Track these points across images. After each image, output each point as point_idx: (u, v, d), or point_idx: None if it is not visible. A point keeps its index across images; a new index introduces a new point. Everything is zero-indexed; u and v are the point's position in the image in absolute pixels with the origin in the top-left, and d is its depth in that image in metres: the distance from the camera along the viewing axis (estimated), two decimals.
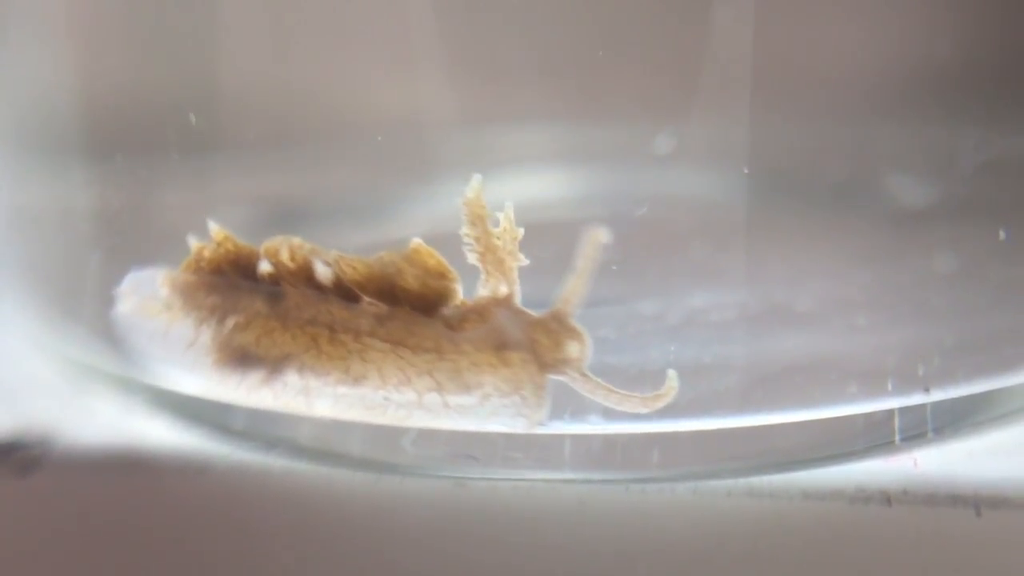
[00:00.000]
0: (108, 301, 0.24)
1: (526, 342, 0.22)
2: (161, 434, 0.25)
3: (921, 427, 0.24)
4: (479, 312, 0.22)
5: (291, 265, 0.23)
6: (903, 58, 0.27)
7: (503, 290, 0.22)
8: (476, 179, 0.22)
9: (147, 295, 0.24)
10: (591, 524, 0.23)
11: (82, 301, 0.27)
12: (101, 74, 0.28)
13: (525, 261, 0.22)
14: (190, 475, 0.24)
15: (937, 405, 0.24)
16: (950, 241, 0.26)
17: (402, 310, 0.22)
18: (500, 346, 0.22)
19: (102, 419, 0.26)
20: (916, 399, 0.23)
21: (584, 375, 0.22)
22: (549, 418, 0.22)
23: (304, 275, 0.23)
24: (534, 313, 0.22)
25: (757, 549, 0.23)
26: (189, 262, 0.23)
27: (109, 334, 0.25)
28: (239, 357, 0.23)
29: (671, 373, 0.22)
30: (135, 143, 0.27)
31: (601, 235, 0.22)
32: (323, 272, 0.22)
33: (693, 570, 0.23)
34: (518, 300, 0.22)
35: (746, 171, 0.24)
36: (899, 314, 0.25)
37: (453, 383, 0.22)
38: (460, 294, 0.22)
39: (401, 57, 0.26)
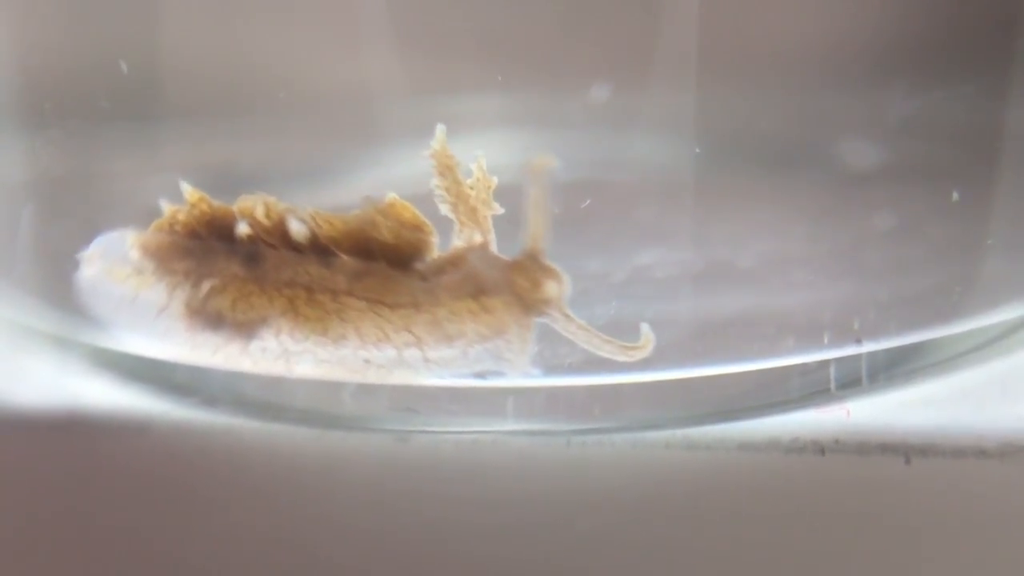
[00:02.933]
0: (44, 260, 0.24)
1: (505, 285, 0.22)
2: (99, 393, 0.25)
3: (856, 376, 0.24)
4: (453, 262, 0.22)
5: (266, 223, 0.22)
6: (845, 25, 0.28)
7: (477, 239, 0.22)
8: (440, 129, 0.22)
9: (115, 259, 0.23)
10: (532, 477, 0.23)
11: (14, 260, 0.27)
12: (36, 39, 0.27)
13: (500, 210, 0.22)
14: (130, 433, 0.24)
15: (871, 356, 0.24)
16: (889, 201, 0.26)
17: (378, 266, 0.22)
18: (478, 292, 0.22)
19: (38, 379, 0.26)
20: (850, 350, 0.24)
21: (567, 315, 0.22)
22: (532, 365, 0.22)
23: (279, 233, 0.22)
24: (505, 259, 0.22)
25: (695, 499, 0.23)
26: (160, 223, 0.23)
27: (44, 293, 0.25)
28: (214, 322, 0.23)
29: (645, 327, 0.22)
30: (73, 109, 0.26)
31: (545, 161, 0.22)
32: (298, 229, 0.22)
33: (633, 521, 0.23)
34: (493, 248, 0.22)
35: (697, 150, 0.25)
36: (837, 270, 0.26)
37: (433, 336, 0.22)
38: (436, 248, 0.22)
39: (349, 25, 0.26)
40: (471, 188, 0.22)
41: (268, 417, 0.24)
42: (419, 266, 0.22)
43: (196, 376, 0.24)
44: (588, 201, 0.24)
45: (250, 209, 0.22)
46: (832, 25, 0.28)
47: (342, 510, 0.23)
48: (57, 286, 0.25)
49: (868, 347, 0.24)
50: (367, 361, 0.22)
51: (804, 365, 0.24)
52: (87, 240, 0.24)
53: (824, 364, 0.24)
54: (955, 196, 0.25)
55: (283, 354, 0.22)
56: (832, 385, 0.24)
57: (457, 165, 0.22)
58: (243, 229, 0.22)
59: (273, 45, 0.27)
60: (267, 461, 0.24)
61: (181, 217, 0.23)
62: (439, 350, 0.22)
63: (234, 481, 0.24)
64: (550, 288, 0.22)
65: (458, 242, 0.22)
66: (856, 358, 0.24)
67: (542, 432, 0.23)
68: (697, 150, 0.25)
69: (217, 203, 0.23)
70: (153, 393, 0.25)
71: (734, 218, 0.27)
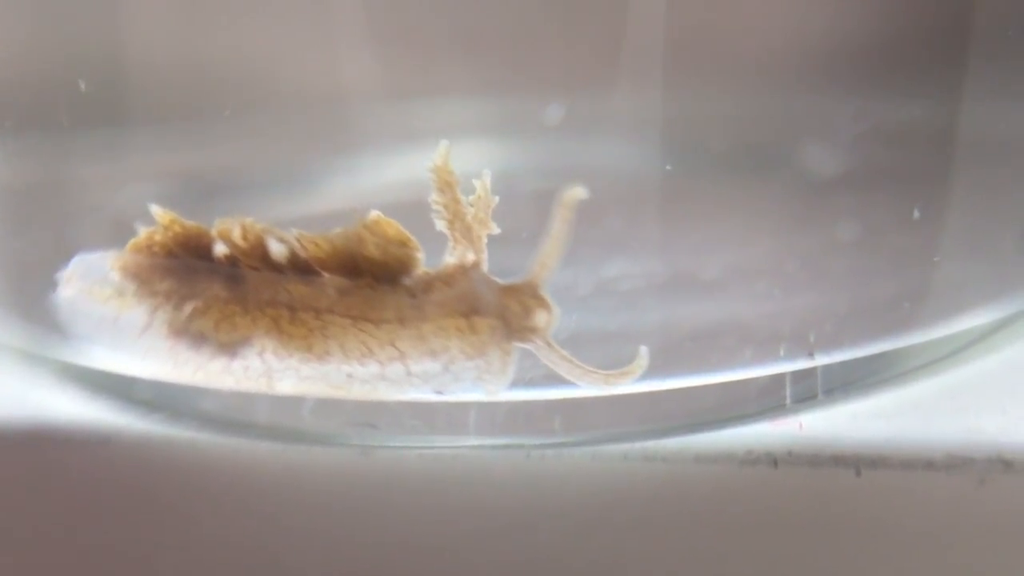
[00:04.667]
0: (9, 273, 0.24)
1: (496, 309, 0.22)
2: (64, 406, 0.25)
3: (811, 390, 0.25)
4: (445, 280, 0.22)
5: (243, 244, 0.22)
6: (812, 31, 0.28)
7: (470, 258, 0.22)
8: (443, 145, 0.22)
9: (95, 279, 0.23)
10: (493, 490, 0.23)
11: None
12: None
13: (496, 230, 0.22)
14: (93, 447, 0.24)
15: (826, 368, 0.25)
16: (853, 210, 0.27)
17: (363, 282, 0.22)
18: (470, 311, 0.22)
19: (3, 392, 0.26)
20: (804, 363, 0.24)
21: (549, 345, 0.22)
22: (509, 387, 0.22)
23: (258, 254, 0.22)
24: (502, 281, 0.22)
25: (651, 511, 0.23)
26: (136, 243, 0.23)
27: (9, 306, 0.24)
28: (196, 342, 0.22)
29: (643, 350, 0.22)
30: (35, 119, 0.26)
31: (578, 193, 0.22)
32: (277, 250, 0.22)
33: (591, 532, 0.23)
34: (485, 268, 0.22)
35: (668, 168, 0.25)
36: (797, 281, 0.26)
37: (417, 350, 0.22)
38: (422, 263, 0.22)
39: (323, 29, 0.26)
40: (471, 205, 0.22)
41: (231, 432, 0.24)
42: (407, 282, 0.22)
43: (160, 391, 0.24)
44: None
45: (227, 231, 0.22)
46: (795, 34, 0.28)
47: (304, 523, 0.24)
48: (22, 299, 0.25)
49: (821, 360, 0.25)
50: (350, 376, 0.22)
51: (761, 378, 0.24)
52: (54, 252, 0.24)
53: (780, 377, 0.24)
54: (916, 214, 0.26)
55: (266, 372, 0.22)
56: (788, 398, 0.24)
57: (457, 183, 0.22)
58: (221, 249, 0.22)
59: (245, 50, 0.27)
60: (229, 475, 0.24)
61: (158, 238, 0.23)
62: (422, 364, 0.22)
63: (197, 495, 0.24)
64: (539, 318, 0.22)
65: (450, 259, 0.22)
66: (811, 371, 0.25)
67: (503, 446, 0.24)
68: (668, 167, 0.25)
69: (190, 223, 0.22)
70: (117, 407, 0.25)
71: (699, 228, 0.27)
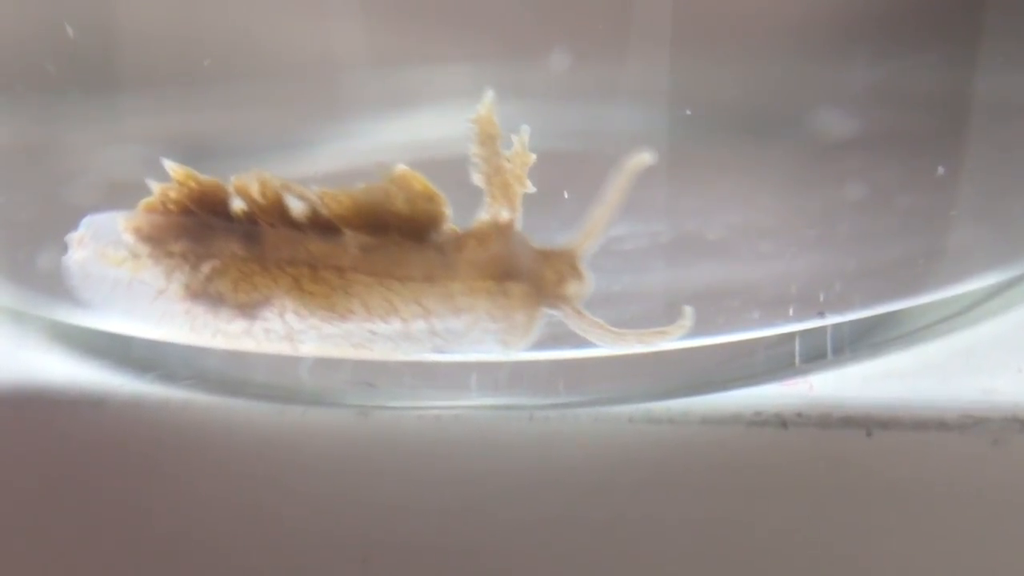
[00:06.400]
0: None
1: (531, 274, 0.21)
2: (55, 367, 0.25)
3: (820, 350, 0.24)
4: (479, 238, 0.21)
5: (262, 201, 0.21)
6: None
7: (505, 215, 0.21)
8: (488, 96, 0.21)
9: (107, 241, 0.22)
10: (495, 452, 0.23)
11: None
12: None
13: (532, 188, 0.21)
14: (86, 408, 0.24)
15: (836, 328, 0.24)
16: (858, 171, 0.26)
17: (389, 240, 0.21)
18: (504, 276, 0.21)
19: None
20: (815, 323, 0.24)
21: (579, 312, 0.22)
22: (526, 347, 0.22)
23: (277, 211, 0.21)
24: (539, 247, 0.22)
25: (657, 474, 0.23)
26: (150, 203, 0.22)
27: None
28: (215, 305, 0.22)
29: (687, 310, 0.22)
30: (22, 79, 0.26)
31: (644, 160, 0.21)
32: (298, 208, 0.21)
33: (594, 496, 0.23)
34: (519, 227, 0.21)
35: (688, 112, 0.24)
36: (805, 241, 0.26)
37: (443, 307, 0.21)
38: (450, 219, 0.21)
39: None
40: (508, 161, 0.21)
41: (226, 392, 0.24)
42: (435, 238, 0.21)
43: (154, 351, 0.24)
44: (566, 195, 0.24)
45: (245, 187, 0.21)
46: None
47: (302, 485, 0.23)
48: (12, 259, 0.25)
49: (832, 320, 0.24)
50: (372, 333, 0.22)
51: (769, 338, 0.24)
52: (43, 213, 0.24)
53: (789, 337, 0.24)
54: (940, 170, 0.25)
55: (287, 334, 0.22)
56: (797, 359, 0.24)
57: (500, 136, 0.21)
58: (238, 205, 0.22)
59: (236, 13, 0.27)
60: (226, 435, 0.23)
61: (172, 195, 0.22)
62: (446, 322, 0.21)
63: (192, 457, 0.23)
64: (572, 287, 0.22)
65: (484, 215, 0.21)
66: (821, 331, 0.24)
67: (505, 407, 0.23)
68: (688, 112, 0.25)
69: (206, 178, 0.22)
70: (110, 367, 0.24)
71: (704, 189, 0.27)
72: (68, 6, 0.26)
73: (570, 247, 0.22)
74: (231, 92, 0.27)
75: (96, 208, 0.23)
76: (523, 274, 0.21)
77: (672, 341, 0.22)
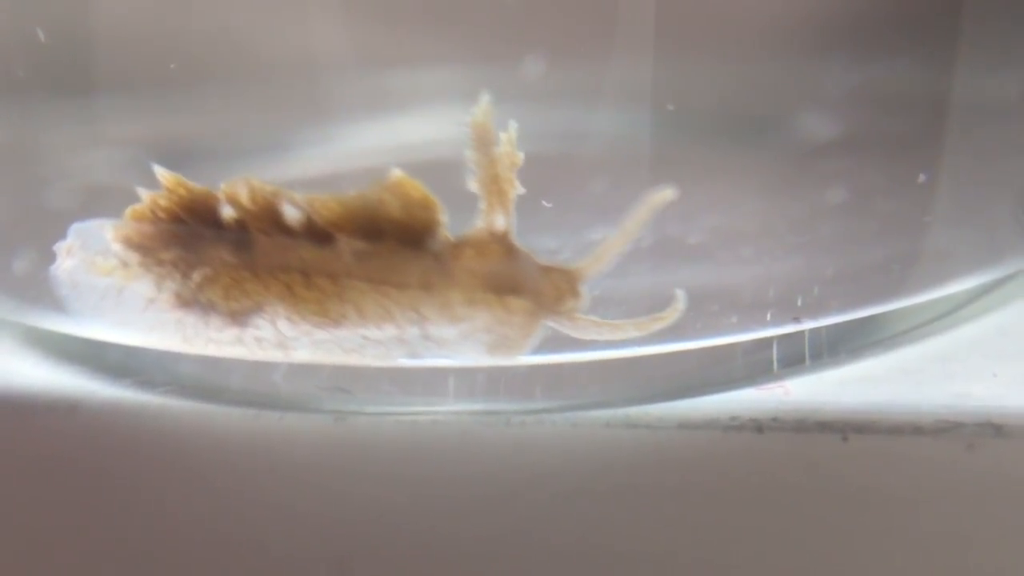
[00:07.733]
0: None
1: (532, 290, 0.21)
2: (28, 372, 0.24)
3: (799, 355, 0.24)
4: (476, 247, 0.21)
5: (252, 208, 0.21)
6: None
7: (500, 222, 0.21)
8: (484, 99, 0.21)
9: (95, 250, 0.22)
10: (473, 457, 0.23)
11: None
12: None
13: (521, 190, 0.21)
14: (61, 413, 0.23)
15: (814, 333, 0.24)
16: (842, 175, 0.26)
17: (384, 246, 0.21)
18: (506, 291, 0.21)
19: None
20: (791, 328, 0.24)
21: (572, 320, 0.22)
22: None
23: (268, 217, 0.21)
24: (542, 262, 0.22)
25: (634, 479, 0.23)
26: (139, 211, 0.22)
27: None
28: (206, 313, 0.22)
29: (679, 293, 0.21)
30: (2, 82, 0.26)
31: (667, 195, 0.21)
32: (292, 214, 0.21)
33: (572, 501, 0.23)
34: (514, 234, 0.21)
35: (670, 107, 0.24)
36: (784, 245, 0.26)
37: (440, 315, 0.21)
38: (446, 226, 0.21)
39: None
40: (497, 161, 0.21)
41: (203, 397, 0.23)
42: (431, 244, 0.21)
43: (129, 356, 0.24)
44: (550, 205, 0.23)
45: (234, 194, 0.21)
46: None
47: (277, 491, 0.23)
48: None
49: (808, 325, 0.24)
50: (364, 339, 0.22)
51: (747, 343, 0.24)
52: (19, 219, 0.23)
53: (767, 342, 0.24)
54: (921, 178, 0.25)
55: (279, 341, 0.22)
56: (775, 364, 0.24)
57: (495, 140, 0.21)
58: (228, 212, 0.21)
59: (216, 15, 0.27)
60: (201, 442, 0.23)
61: (162, 203, 0.22)
62: (441, 329, 0.21)
63: (167, 463, 0.23)
64: (568, 304, 0.21)
65: (480, 222, 0.21)
66: (799, 336, 0.24)
67: (482, 412, 0.23)
68: (670, 107, 0.24)
69: (196, 186, 0.22)
70: (84, 373, 0.24)
71: (685, 192, 0.27)
72: (44, 6, 0.26)
73: (575, 267, 0.22)
74: (213, 95, 0.26)
75: (73, 212, 0.23)
76: (525, 290, 0.21)
77: (668, 324, 0.22)
